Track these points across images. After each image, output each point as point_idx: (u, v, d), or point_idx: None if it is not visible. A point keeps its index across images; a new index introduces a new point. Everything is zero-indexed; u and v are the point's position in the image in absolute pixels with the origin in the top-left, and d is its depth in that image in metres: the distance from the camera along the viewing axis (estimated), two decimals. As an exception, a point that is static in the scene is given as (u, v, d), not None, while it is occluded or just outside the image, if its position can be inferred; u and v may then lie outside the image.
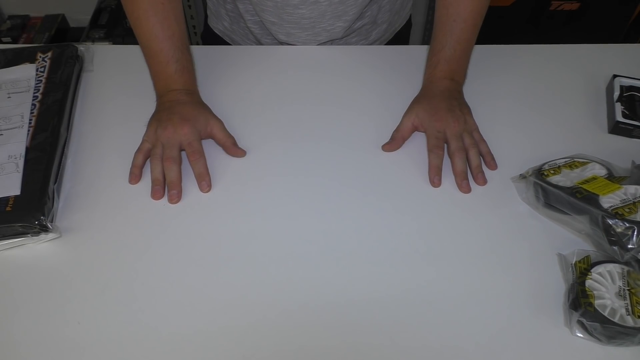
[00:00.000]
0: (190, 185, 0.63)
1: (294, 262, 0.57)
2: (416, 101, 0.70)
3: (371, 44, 0.86)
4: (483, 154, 0.66)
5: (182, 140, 0.64)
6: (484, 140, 0.67)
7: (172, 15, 0.67)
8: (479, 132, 0.68)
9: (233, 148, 0.66)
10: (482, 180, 0.63)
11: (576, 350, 0.51)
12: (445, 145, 0.66)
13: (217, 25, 0.88)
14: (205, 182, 0.63)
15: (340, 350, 0.51)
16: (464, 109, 0.68)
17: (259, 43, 0.84)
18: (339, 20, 0.78)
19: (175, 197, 0.62)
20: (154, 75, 0.70)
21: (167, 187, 0.63)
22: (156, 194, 0.62)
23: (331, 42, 0.82)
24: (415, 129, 0.69)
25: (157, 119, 0.66)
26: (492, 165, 0.65)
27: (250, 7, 0.78)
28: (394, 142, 0.67)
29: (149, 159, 0.65)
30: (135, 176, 0.64)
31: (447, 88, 0.69)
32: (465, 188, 0.63)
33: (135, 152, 0.65)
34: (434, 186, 0.63)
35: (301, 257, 0.57)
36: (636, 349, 0.50)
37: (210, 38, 0.90)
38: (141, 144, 0.66)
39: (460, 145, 0.65)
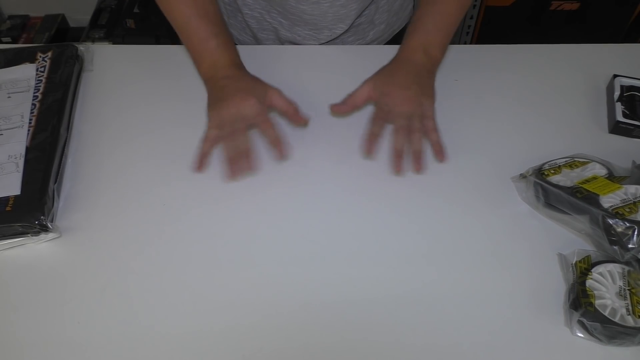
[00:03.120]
0: (190, 185, 0.63)
1: (295, 262, 0.57)
2: (380, 70, 0.67)
3: (368, 44, 0.86)
4: (432, 144, 0.63)
5: (248, 113, 0.61)
6: (436, 130, 0.64)
7: None
8: (433, 119, 0.64)
9: (296, 115, 0.64)
10: (419, 166, 0.62)
11: (576, 350, 0.51)
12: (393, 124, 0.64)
13: None
14: (279, 148, 0.62)
15: (340, 350, 0.51)
16: (425, 91, 0.64)
17: (255, 37, 0.84)
18: (342, 23, 0.78)
19: (248, 166, 0.61)
20: (196, 56, 0.67)
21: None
22: (234, 174, 0.61)
23: (329, 41, 0.82)
24: (369, 98, 0.65)
25: (216, 101, 0.63)
26: (441, 155, 0.63)
27: (249, 1, 0.78)
28: (344, 106, 0.65)
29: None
30: (201, 164, 0.62)
31: (417, 63, 0.65)
32: (397, 167, 0.61)
33: (203, 140, 0.63)
34: (366, 153, 0.62)
35: (301, 257, 0.57)
36: (636, 349, 0.50)
37: None
38: (207, 131, 0.63)
39: (403, 124, 0.62)
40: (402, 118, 0.62)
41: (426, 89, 0.65)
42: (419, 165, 0.62)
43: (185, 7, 0.65)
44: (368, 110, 0.71)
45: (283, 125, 0.69)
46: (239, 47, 0.80)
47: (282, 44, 0.84)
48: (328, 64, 0.78)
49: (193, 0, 0.65)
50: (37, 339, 0.51)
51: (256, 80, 0.66)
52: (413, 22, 0.68)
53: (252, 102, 0.61)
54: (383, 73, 0.66)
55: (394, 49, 0.81)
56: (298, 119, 0.65)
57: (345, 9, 0.75)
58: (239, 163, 0.61)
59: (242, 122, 0.62)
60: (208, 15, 0.66)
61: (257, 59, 0.78)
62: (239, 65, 0.67)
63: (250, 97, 0.62)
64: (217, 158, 0.66)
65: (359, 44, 0.85)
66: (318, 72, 0.77)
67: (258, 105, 0.62)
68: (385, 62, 0.78)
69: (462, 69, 0.75)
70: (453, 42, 0.72)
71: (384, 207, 0.61)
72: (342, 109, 0.65)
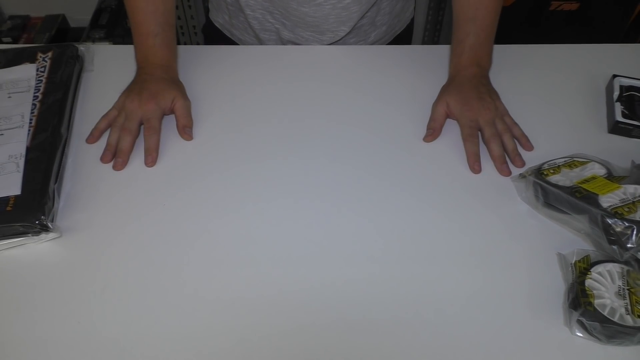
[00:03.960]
0: (190, 185, 0.63)
1: (294, 262, 0.57)
2: (445, 91, 0.71)
3: (370, 45, 0.86)
4: (517, 137, 0.67)
5: (143, 115, 0.67)
6: (516, 124, 0.68)
7: None
8: (509, 116, 0.69)
9: (183, 129, 0.69)
10: (520, 162, 0.65)
11: (576, 349, 0.51)
12: (480, 132, 0.68)
13: (218, 19, 0.89)
14: (151, 157, 0.65)
15: (340, 350, 0.51)
16: (493, 95, 0.70)
17: (257, 37, 0.85)
18: (343, 25, 0.78)
19: (120, 165, 0.65)
20: (135, 46, 0.73)
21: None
22: (105, 157, 0.66)
23: (331, 43, 0.82)
24: (447, 116, 0.70)
25: (129, 90, 0.70)
26: (528, 146, 0.67)
27: (251, 1, 0.78)
28: (435, 132, 0.69)
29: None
30: (94, 138, 0.68)
31: (475, 75, 0.70)
32: (505, 171, 0.64)
33: (102, 117, 0.69)
34: (475, 172, 0.65)
35: (301, 257, 0.57)
36: (636, 348, 0.50)
37: (211, 31, 0.91)
38: (109, 110, 0.70)
39: (494, 132, 0.66)
40: (489, 125, 0.67)
41: (492, 93, 0.70)
42: (520, 161, 0.65)
43: (141, 0, 0.70)
44: (369, 109, 0.72)
45: (291, 115, 0.70)
46: (241, 48, 0.81)
47: (284, 44, 0.84)
48: (329, 64, 0.78)
49: None
50: (37, 339, 0.51)
51: (173, 86, 0.70)
52: (458, 42, 0.71)
53: (150, 108, 0.68)
54: (449, 92, 0.70)
55: (396, 49, 0.81)
56: (182, 133, 0.69)
57: (346, 11, 0.76)
58: (109, 156, 0.66)
59: (134, 121, 0.67)
60: (156, 13, 0.70)
61: (257, 59, 0.79)
62: (168, 68, 0.72)
63: (151, 102, 0.68)
64: (216, 158, 0.66)
65: (361, 45, 0.85)
66: (320, 72, 0.77)
67: (153, 112, 0.68)
68: (387, 62, 0.78)
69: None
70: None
71: (384, 207, 0.61)
72: (434, 136, 0.69)
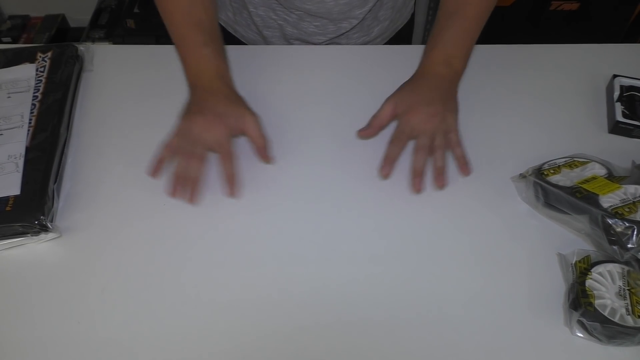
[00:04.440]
0: (190, 185, 0.63)
1: (294, 262, 0.57)
2: (402, 86, 0.66)
3: (372, 40, 0.86)
4: (456, 158, 0.63)
5: (213, 140, 0.61)
6: (460, 144, 0.63)
7: (199, 2, 0.65)
8: (457, 133, 0.63)
9: (262, 151, 0.63)
10: (440, 183, 0.61)
11: (576, 350, 0.51)
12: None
13: (221, 16, 0.89)
14: (234, 186, 0.61)
15: (340, 350, 0.51)
16: (448, 105, 0.63)
17: (261, 34, 0.85)
18: (345, 22, 0.78)
19: (194, 196, 0.60)
20: (184, 62, 0.66)
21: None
22: (175, 190, 0.60)
23: (334, 37, 0.82)
24: (393, 116, 0.64)
25: (189, 112, 0.63)
26: (465, 169, 0.63)
27: None
28: (370, 129, 0.64)
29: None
30: (156, 170, 0.62)
31: (439, 76, 0.64)
32: (416, 186, 0.60)
33: (163, 147, 0.62)
34: (382, 175, 0.61)
35: (301, 257, 0.57)
36: (636, 348, 0.50)
37: None
38: (171, 138, 0.62)
39: (424, 144, 0.61)
40: (425, 136, 0.61)
41: (449, 103, 0.64)
42: (441, 181, 0.61)
43: (180, 14, 0.65)
44: (369, 109, 0.71)
45: (291, 115, 0.70)
46: (241, 47, 0.80)
47: (288, 41, 0.84)
48: (330, 64, 0.78)
49: (188, 8, 0.65)
50: (37, 339, 0.51)
51: (236, 102, 0.64)
52: (433, 36, 0.66)
53: (219, 132, 0.61)
54: (404, 90, 0.65)
55: (398, 49, 0.81)
56: (264, 156, 0.64)
57: (349, 6, 0.75)
58: (182, 186, 0.60)
59: (203, 146, 0.61)
60: (200, 23, 0.65)
61: (260, 59, 0.79)
62: (224, 78, 0.65)
63: (221, 125, 0.61)
64: (216, 158, 0.66)
65: (363, 40, 0.85)
66: (321, 72, 0.77)
67: (224, 136, 0.61)
68: (388, 62, 0.78)
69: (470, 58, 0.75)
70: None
71: (384, 207, 0.61)
72: (368, 132, 0.64)
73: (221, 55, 0.66)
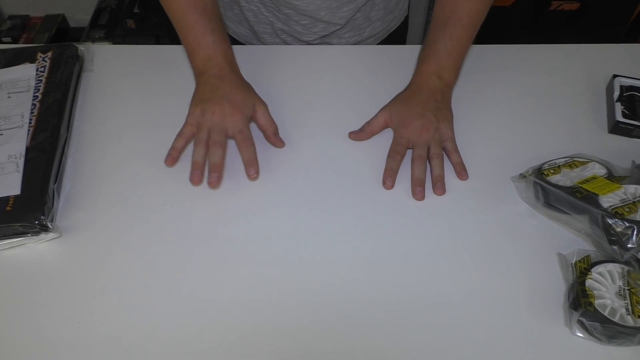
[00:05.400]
0: (190, 185, 0.63)
1: (294, 262, 0.57)
2: (396, 98, 0.69)
3: (364, 40, 0.87)
4: (453, 165, 0.64)
5: (232, 127, 0.62)
6: (456, 151, 0.65)
7: None
8: (453, 141, 0.65)
9: (273, 137, 0.66)
10: (440, 191, 0.62)
11: (576, 350, 0.51)
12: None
13: None
14: (254, 168, 0.61)
15: (340, 350, 0.51)
16: (441, 115, 0.65)
17: (252, 30, 0.85)
18: (334, 17, 0.78)
19: (216, 180, 0.60)
20: (190, 50, 0.67)
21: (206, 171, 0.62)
22: (196, 178, 0.61)
23: (325, 35, 0.82)
24: (386, 125, 0.68)
25: (201, 100, 0.63)
26: (463, 175, 0.64)
27: None
28: (362, 133, 0.67)
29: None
30: (173, 159, 0.62)
31: (431, 88, 0.66)
32: (418, 195, 0.61)
33: (178, 135, 0.63)
34: (386, 187, 0.63)
35: (301, 257, 0.57)
36: (636, 348, 0.50)
37: None
38: (184, 127, 0.63)
39: (421, 154, 0.63)
40: (421, 147, 0.64)
41: (442, 113, 0.66)
42: (440, 190, 0.62)
43: (184, 1, 0.65)
44: (367, 110, 0.72)
45: (289, 115, 0.70)
46: (236, 48, 0.80)
47: (279, 37, 0.84)
48: (324, 63, 0.78)
49: None
50: (37, 339, 0.51)
51: (247, 90, 0.66)
52: (425, 47, 0.69)
53: (237, 119, 0.62)
54: (398, 102, 0.68)
55: (390, 49, 0.81)
56: (275, 141, 0.66)
57: (337, 2, 0.76)
58: (200, 175, 0.61)
59: (222, 134, 0.62)
60: (206, 10, 0.66)
61: (253, 58, 0.79)
62: (232, 64, 0.67)
63: (237, 112, 0.62)
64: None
65: (355, 40, 0.85)
66: (315, 72, 0.77)
67: (242, 122, 0.63)
68: (382, 62, 0.78)
69: (462, 68, 0.75)
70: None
71: (383, 208, 0.61)
72: (360, 136, 0.67)
73: (227, 41, 0.67)
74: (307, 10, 0.77)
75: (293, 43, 0.85)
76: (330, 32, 0.81)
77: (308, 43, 0.84)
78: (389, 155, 0.65)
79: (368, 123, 0.68)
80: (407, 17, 0.93)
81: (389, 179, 0.63)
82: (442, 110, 0.66)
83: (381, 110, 0.68)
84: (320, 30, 0.81)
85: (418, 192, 0.62)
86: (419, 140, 0.64)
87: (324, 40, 0.84)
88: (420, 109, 0.65)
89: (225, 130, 0.62)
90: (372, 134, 0.68)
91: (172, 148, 0.63)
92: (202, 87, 0.65)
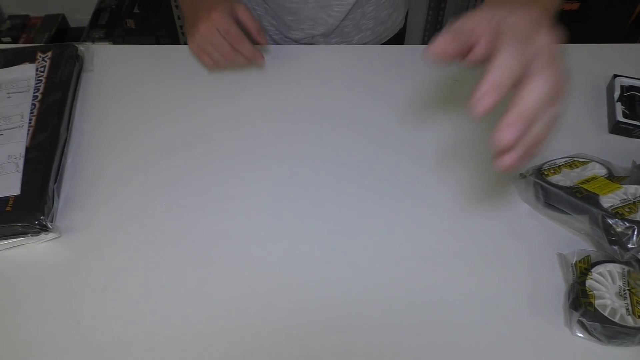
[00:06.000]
0: (190, 185, 0.63)
1: (295, 262, 0.57)
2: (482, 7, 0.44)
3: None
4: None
5: (219, 28, 0.67)
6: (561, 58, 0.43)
7: None
8: (559, 65, 0.42)
9: (257, 32, 0.70)
10: (524, 158, 0.39)
11: (576, 350, 0.51)
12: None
13: None
14: (257, 55, 0.69)
15: (340, 350, 0.51)
16: (545, 22, 0.45)
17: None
18: (322, 12, 0.78)
19: (260, 57, 0.70)
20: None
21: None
22: (256, 55, 0.70)
23: (312, 37, 0.82)
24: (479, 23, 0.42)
25: (189, 26, 0.70)
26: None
27: None
28: (453, 38, 0.42)
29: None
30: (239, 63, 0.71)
31: (529, 11, 0.45)
32: (509, 161, 0.40)
33: (205, 66, 0.73)
34: (480, 109, 0.40)
35: (302, 258, 0.57)
36: (636, 349, 0.50)
37: None
38: (200, 58, 0.71)
39: (516, 52, 0.40)
40: (513, 38, 0.40)
41: (545, 21, 0.45)
42: (527, 157, 0.40)
43: None
44: (365, 109, 0.72)
45: (288, 115, 0.70)
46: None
47: (268, 34, 0.84)
48: (326, 63, 0.78)
49: None
50: (37, 339, 0.51)
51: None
52: None
53: (216, 18, 0.67)
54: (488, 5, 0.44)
55: (390, 49, 0.81)
56: (259, 37, 0.71)
57: (326, 1, 0.76)
58: (212, 62, 0.69)
59: (216, 34, 0.67)
60: None
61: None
62: None
63: (214, 12, 0.67)
64: (216, 159, 0.66)
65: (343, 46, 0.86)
66: (314, 72, 0.77)
67: (224, 20, 0.67)
68: (382, 62, 0.78)
69: (462, 68, 0.75)
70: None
71: (383, 208, 0.61)
72: (450, 40, 0.41)
73: None
74: (293, 3, 0.77)
75: (281, 42, 0.85)
76: (317, 34, 0.81)
77: (297, 42, 0.84)
78: (500, 54, 0.40)
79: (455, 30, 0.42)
80: (402, 29, 0.92)
81: (486, 95, 0.40)
82: (547, 24, 0.46)
83: (467, 17, 0.43)
84: (307, 27, 0.81)
85: (482, 105, 0.39)
86: (516, 28, 0.42)
87: (311, 43, 0.84)
88: (522, 1, 0.44)
89: (217, 33, 0.67)
90: (465, 35, 0.42)
91: (218, 66, 0.71)
92: (185, 14, 0.72)
